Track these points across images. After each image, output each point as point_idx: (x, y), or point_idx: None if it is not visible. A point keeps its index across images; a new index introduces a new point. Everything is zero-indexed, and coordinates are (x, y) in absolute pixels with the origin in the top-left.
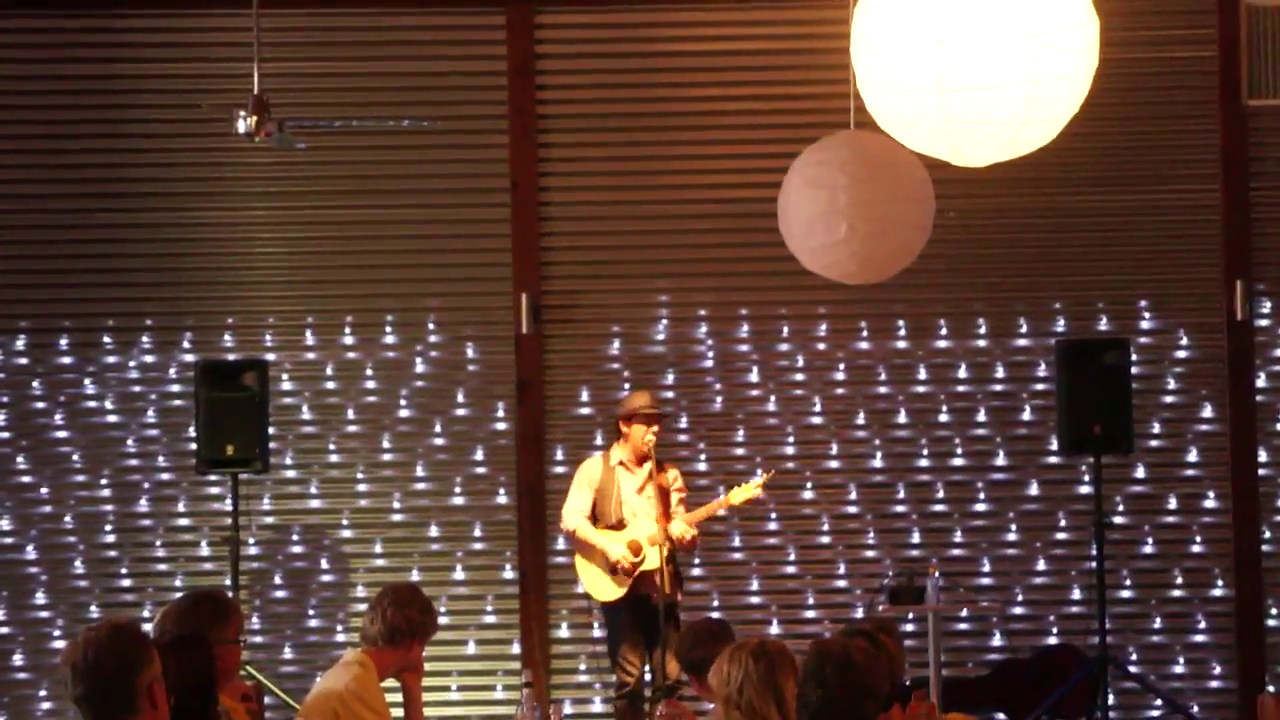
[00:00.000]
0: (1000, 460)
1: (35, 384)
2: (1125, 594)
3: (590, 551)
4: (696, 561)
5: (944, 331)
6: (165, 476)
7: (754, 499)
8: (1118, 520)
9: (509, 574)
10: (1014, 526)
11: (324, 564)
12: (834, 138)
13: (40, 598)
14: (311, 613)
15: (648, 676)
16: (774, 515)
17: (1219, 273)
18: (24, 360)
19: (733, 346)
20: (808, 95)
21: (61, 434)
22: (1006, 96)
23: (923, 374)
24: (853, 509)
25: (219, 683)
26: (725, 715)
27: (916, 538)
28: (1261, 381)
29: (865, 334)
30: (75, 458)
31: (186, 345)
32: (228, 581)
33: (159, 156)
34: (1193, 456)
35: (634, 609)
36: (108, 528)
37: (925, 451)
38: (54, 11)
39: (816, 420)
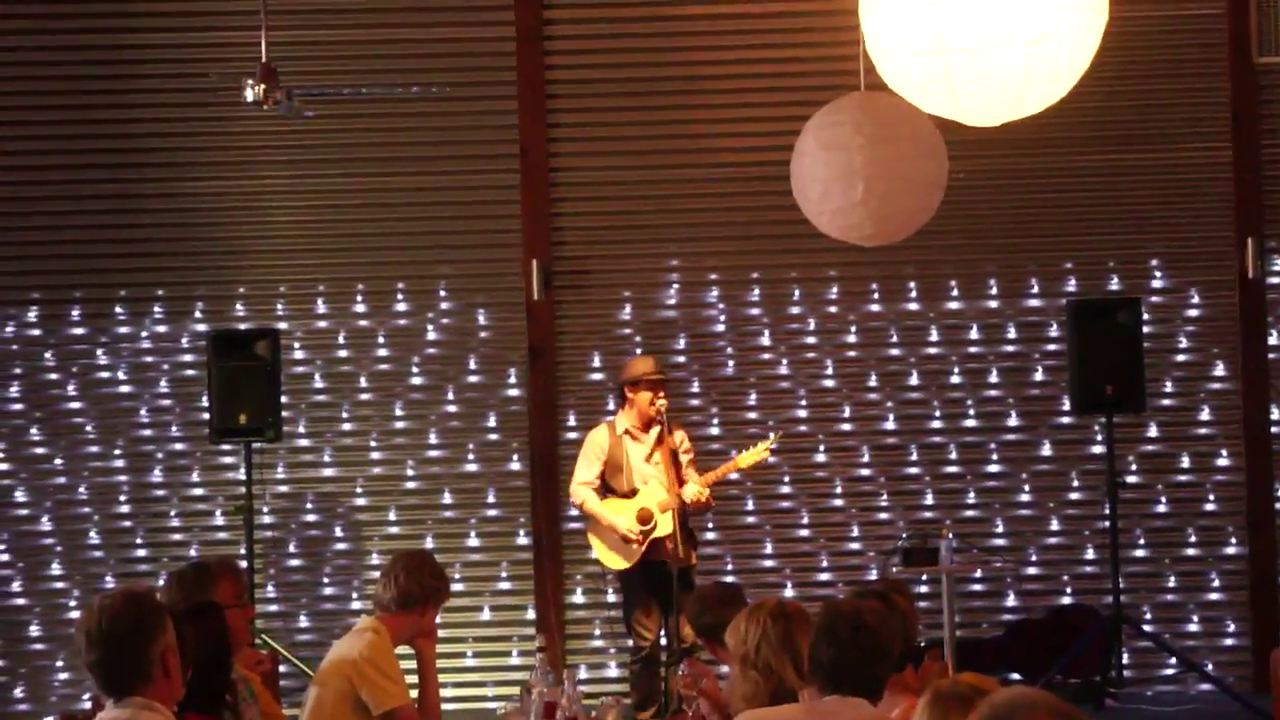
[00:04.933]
0: (1012, 421)
1: (48, 355)
2: (1139, 553)
3: (600, 524)
4: (710, 525)
5: (955, 293)
6: (179, 446)
7: (762, 461)
8: (1130, 479)
9: (523, 540)
10: (1027, 487)
11: (338, 532)
12: (846, 99)
13: (56, 568)
14: (326, 580)
15: (663, 641)
16: (787, 478)
17: (1230, 231)
18: (36, 331)
19: (744, 310)
20: (818, 58)
21: (75, 405)
22: (1004, 55)
23: (934, 335)
24: (865, 471)
25: (233, 650)
26: (742, 675)
27: (929, 499)
28: (1273, 339)
29: (876, 296)
30: (89, 429)
31: (198, 315)
32: (242, 551)
33: (169, 126)
34: (1205, 415)
35: (648, 574)
36: (122, 498)
37: (937, 413)
38: None
39: (828, 383)
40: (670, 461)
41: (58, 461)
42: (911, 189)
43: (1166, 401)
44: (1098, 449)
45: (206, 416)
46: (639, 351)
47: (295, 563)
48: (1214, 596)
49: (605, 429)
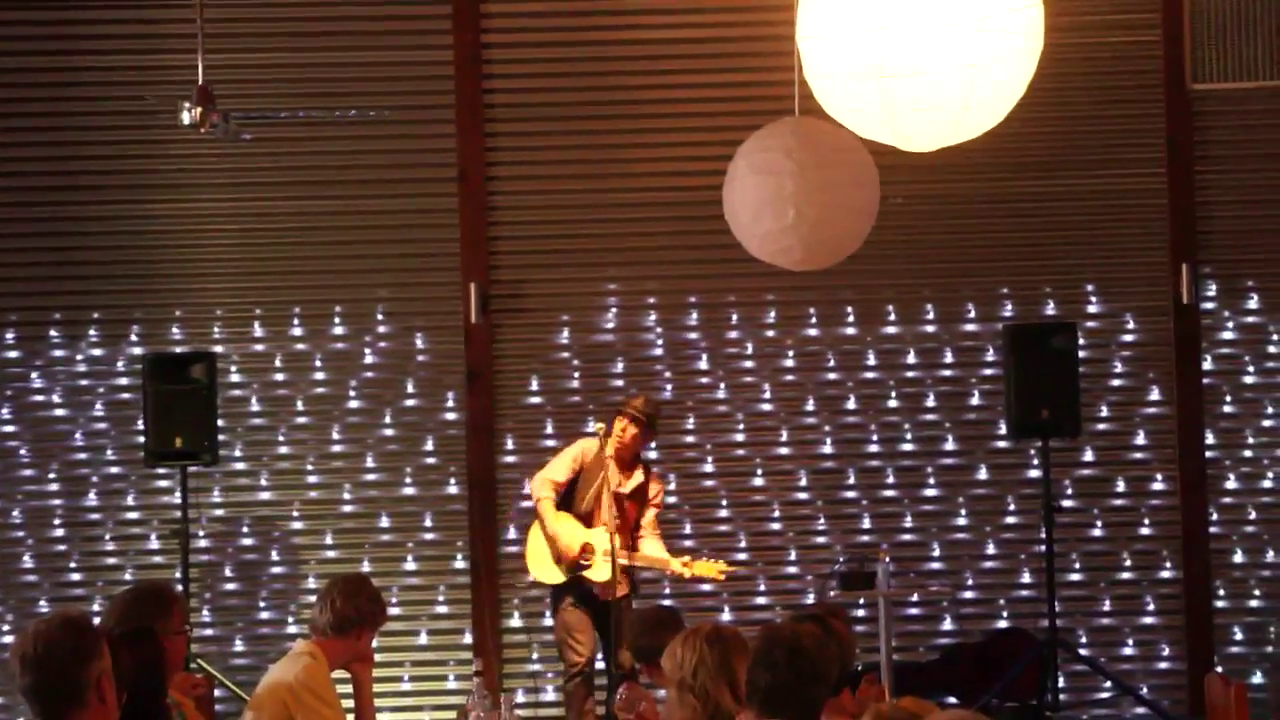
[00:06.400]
0: (949, 445)
1: None
2: (1074, 577)
3: (544, 531)
4: None
5: (892, 317)
6: (114, 470)
7: (708, 578)
8: (1066, 503)
9: (460, 564)
10: (964, 511)
11: (274, 556)
12: (779, 124)
13: None
14: (262, 605)
15: (599, 663)
16: (725, 502)
17: (1165, 256)
18: None
19: (682, 334)
20: (755, 83)
21: (9, 428)
22: (945, 81)
23: (871, 360)
24: (803, 495)
25: (167, 675)
26: (678, 699)
27: (867, 523)
28: (1208, 364)
29: (814, 321)
30: (23, 452)
31: (134, 338)
32: (178, 575)
33: (105, 149)
34: (1140, 439)
35: (582, 591)
36: (56, 522)
37: (875, 437)
38: None
39: (766, 407)
40: (617, 509)
41: None
42: (842, 215)
43: (1102, 426)
44: (1034, 473)
45: (142, 440)
46: (578, 376)
47: (231, 586)
48: (1149, 620)
49: (596, 443)
